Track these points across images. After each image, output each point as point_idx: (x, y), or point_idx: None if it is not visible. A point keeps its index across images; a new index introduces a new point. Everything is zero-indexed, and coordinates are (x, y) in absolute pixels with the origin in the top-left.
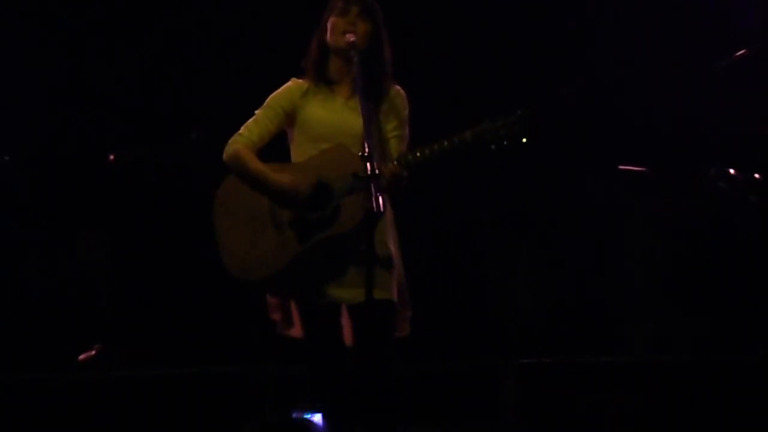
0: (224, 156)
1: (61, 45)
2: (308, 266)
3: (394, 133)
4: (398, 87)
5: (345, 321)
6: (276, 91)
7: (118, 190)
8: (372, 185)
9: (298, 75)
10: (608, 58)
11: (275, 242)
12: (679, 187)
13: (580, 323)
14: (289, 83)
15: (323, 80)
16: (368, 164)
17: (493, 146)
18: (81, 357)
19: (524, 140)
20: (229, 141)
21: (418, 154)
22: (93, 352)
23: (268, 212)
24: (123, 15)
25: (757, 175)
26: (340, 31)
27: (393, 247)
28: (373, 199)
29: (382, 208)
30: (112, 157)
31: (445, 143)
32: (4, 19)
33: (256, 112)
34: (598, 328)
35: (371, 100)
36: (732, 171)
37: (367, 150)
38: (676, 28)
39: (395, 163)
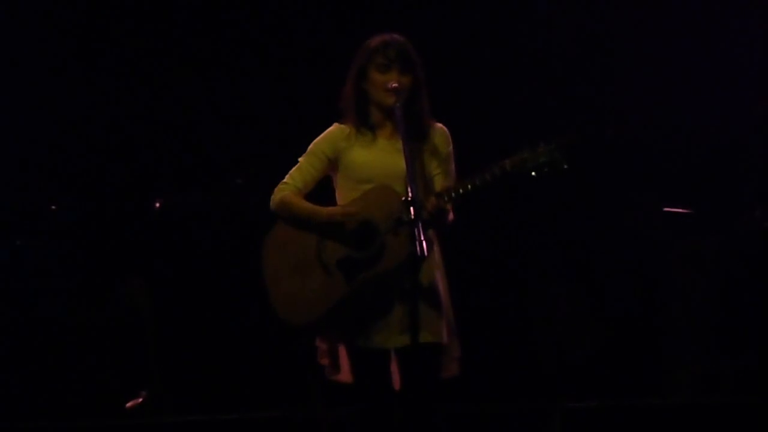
0: (271, 205)
1: (106, 89)
2: (356, 306)
3: (438, 170)
4: (440, 125)
5: (394, 365)
6: (319, 137)
7: (163, 235)
8: (415, 230)
9: (340, 119)
10: (651, 97)
11: (323, 284)
12: (725, 227)
13: (626, 365)
14: (331, 128)
15: (365, 125)
16: (411, 209)
17: (533, 173)
18: (128, 404)
19: (565, 166)
20: (275, 190)
21: (460, 189)
22: (140, 399)
23: (316, 255)
24: (168, 59)
25: None
26: (382, 88)
27: (442, 287)
28: (417, 243)
29: (426, 252)
30: (157, 203)
31: (486, 175)
32: (46, 62)
33: (299, 159)
34: (645, 369)
35: (413, 142)
36: None
37: (410, 194)
38: (721, 67)
39: (437, 197)
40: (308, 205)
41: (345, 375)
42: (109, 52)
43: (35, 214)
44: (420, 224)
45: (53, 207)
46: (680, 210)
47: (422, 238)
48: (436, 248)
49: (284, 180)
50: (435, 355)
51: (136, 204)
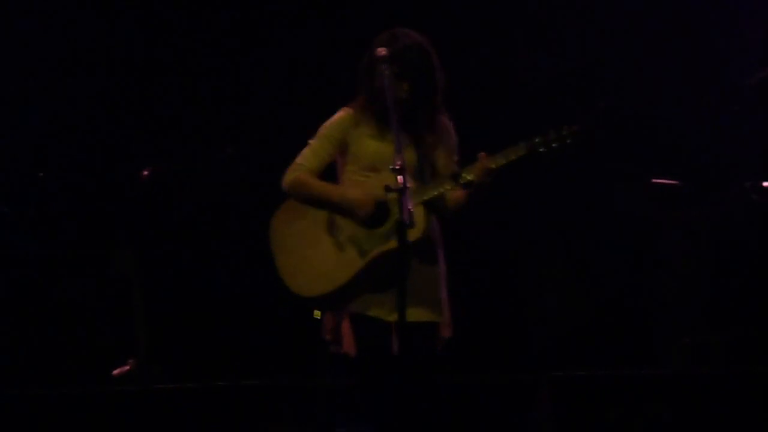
0: (284, 184)
1: (96, 60)
2: (368, 281)
3: (441, 150)
4: (443, 117)
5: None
6: (329, 121)
7: (151, 205)
8: (402, 198)
9: (348, 102)
10: (642, 73)
11: (336, 258)
12: (713, 199)
13: (615, 336)
14: (341, 113)
15: (374, 113)
16: (399, 177)
17: (542, 149)
18: (115, 372)
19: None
20: (288, 170)
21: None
22: (127, 367)
23: (327, 230)
24: (160, 34)
25: None
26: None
27: (442, 267)
28: (404, 210)
29: (407, 220)
30: (145, 172)
31: (503, 160)
32: (39, 32)
33: (309, 141)
34: (633, 341)
35: (422, 132)
36: (766, 184)
37: (398, 164)
38: (710, 43)
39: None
40: (324, 184)
41: (345, 347)
42: (98, 21)
43: (22, 182)
44: (406, 192)
45: (40, 174)
46: (669, 182)
47: (409, 206)
48: (437, 228)
49: (297, 161)
50: (430, 334)
51: (123, 174)
